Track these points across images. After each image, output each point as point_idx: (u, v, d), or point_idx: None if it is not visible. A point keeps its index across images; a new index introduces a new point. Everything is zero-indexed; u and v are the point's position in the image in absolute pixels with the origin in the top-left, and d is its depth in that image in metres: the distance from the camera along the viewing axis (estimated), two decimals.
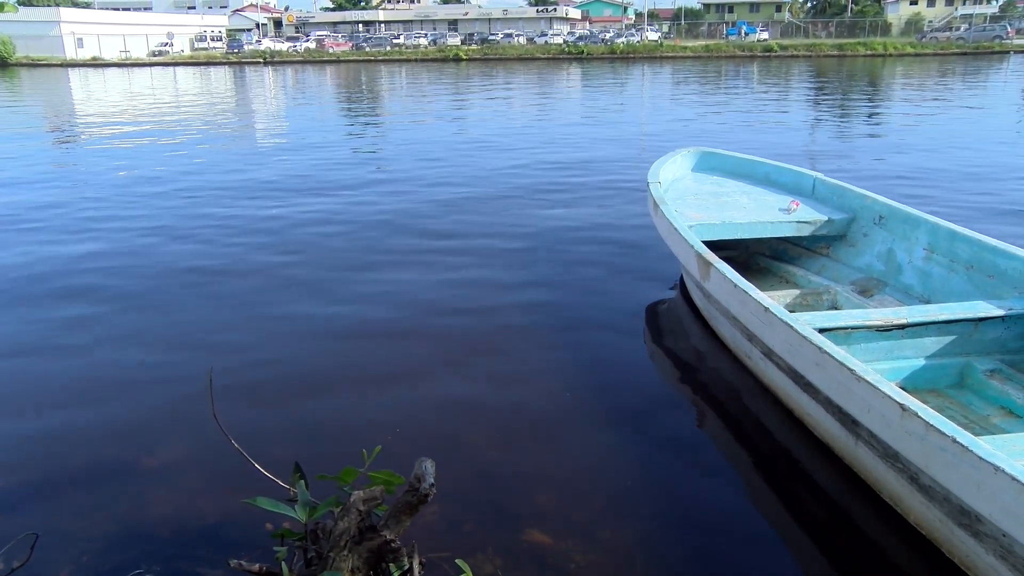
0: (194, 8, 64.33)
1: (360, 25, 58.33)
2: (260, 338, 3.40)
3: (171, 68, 34.54)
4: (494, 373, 3.03)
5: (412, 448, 2.45)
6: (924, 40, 40.37)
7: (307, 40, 48.85)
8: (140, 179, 7.19)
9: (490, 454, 2.46)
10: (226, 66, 31.56)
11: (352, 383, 2.95)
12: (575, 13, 62.79)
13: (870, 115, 11.88)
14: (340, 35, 53.23)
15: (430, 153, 8.52)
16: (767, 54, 37.78)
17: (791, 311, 3.12)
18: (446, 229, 5.22)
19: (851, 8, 52.56)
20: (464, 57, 38.89)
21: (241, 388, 2.90)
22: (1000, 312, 2.61)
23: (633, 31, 47.90)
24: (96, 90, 21.15)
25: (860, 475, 2.25)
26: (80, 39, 43.98)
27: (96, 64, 40.66)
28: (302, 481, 1.79)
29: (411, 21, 57.90)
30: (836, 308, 3.36)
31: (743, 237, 3.65)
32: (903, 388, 2.46)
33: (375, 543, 1.67)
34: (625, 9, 64.84)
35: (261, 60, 40.96)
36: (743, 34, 45.29)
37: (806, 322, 2.51)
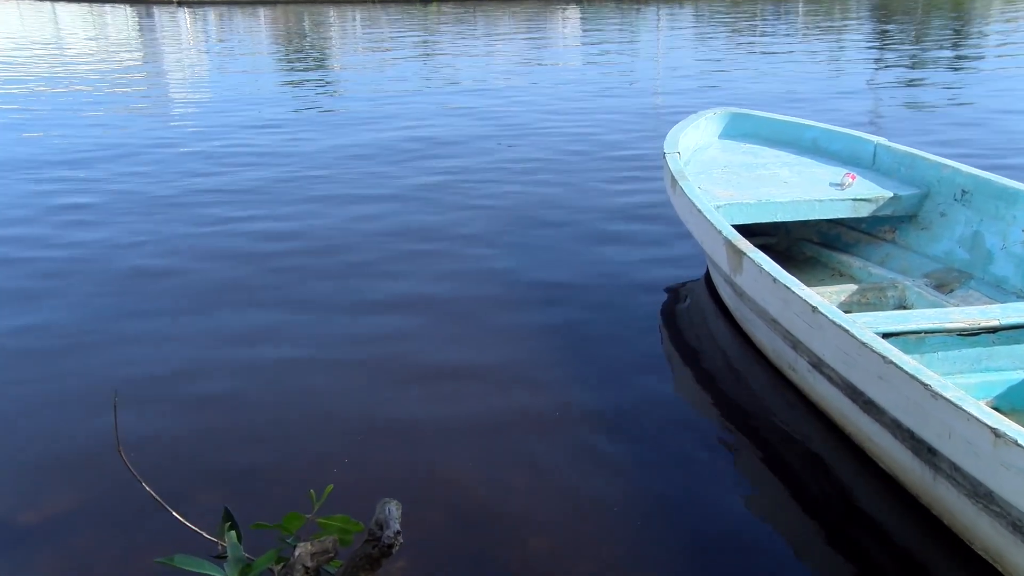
0: None
1: None
2: (179, 352, 3.40)
3: (48, 4, 33.49)
4: (473, 389, 3.05)
5: (372, 486, 2.45)
6: None
7: None
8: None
9: (470, 490, 2.47)
10: (127, 5, 31.00)
11: (296, 406, 2.95)
12: None
13: (954, 64, 11.84)
14: None
15: (395, 124, 8.48)
16: None
17: (847, 311, 3.10)
18: (416, 215, 5.25)
19: None
20: None
21: (155, 415, 2.89)
22: None
23: None
24: None
25: (942, 519, 2.26)
26: None
27: None
28: (233, 531, 1.77)
29: None
30: (905, 307, 3.38)
31: (784, 220, 3.67)
32: (995, 408, 2.45)
33: None
34: None
35: (174, 0, 40.63)
36: None
37: (866, 325, 2.53)
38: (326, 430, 2.81)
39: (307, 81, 12.06)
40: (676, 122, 4.62)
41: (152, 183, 6.11)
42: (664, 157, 3.99)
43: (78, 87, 11.43)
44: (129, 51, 16.45)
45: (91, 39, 18.98)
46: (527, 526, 2.30)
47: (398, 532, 1.60)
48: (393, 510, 1.63)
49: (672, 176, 3.75)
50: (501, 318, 3.70)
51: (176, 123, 8.70)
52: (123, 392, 3.02)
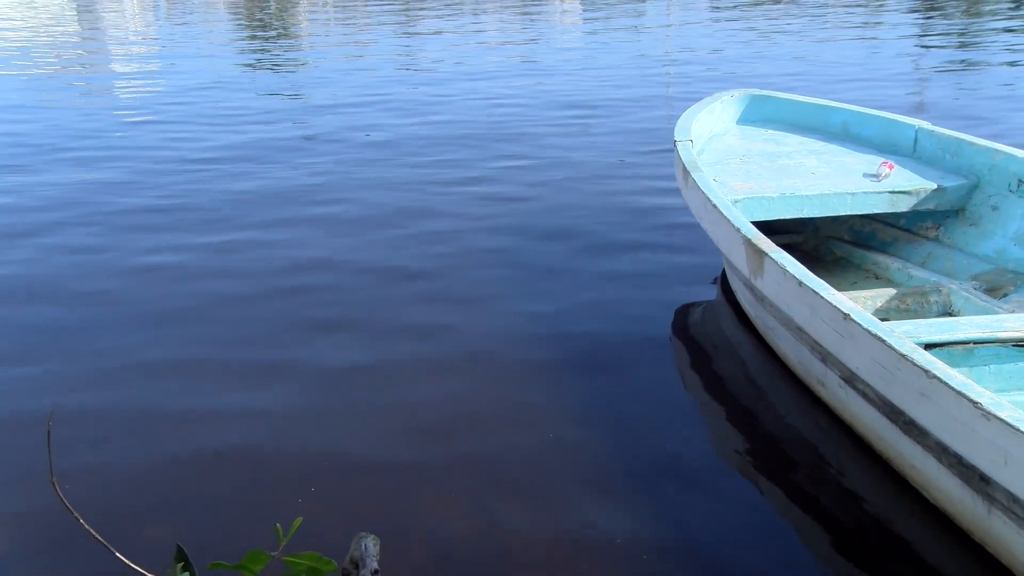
0: None
1: None
2: (124, 366, 3.38)
3: None
4: (458, 413, 3.03)
5: (346, 519, 2.43)
6: None
7: None
8: None
9: (455, 524, 2.45)
10: None
11: (259, 428, 2.93)
12: None
13: (1011, 42, 11.71)
14: None
15: (371, 109, 8.46)
16: None
17: (883, 319, 3.13)
18: (399, 207, 5.26)
19: None
20: None
21: (95, 438, 2.87)
22: None
23: None
24: None
25: (998, 556, 2.23)
26: None
27: None
28: (187, 573, 1.73)
29: None
30: (951, 314, 3.36)
31: (811, 215, 3.66)
32: None
33: None
34: None
35: None
36: None
37: (906, 334, 2.51)
38: (293, 456, 2.79)
39: (269, 63, 12.03)
40: (688, 106, 4.61)
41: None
42: (675, 145, 3.98)
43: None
44: (63, 30, 16.40)
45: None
46: (519, 565, 2.28)
47: (376, 571, 1.58)
48: (370, 546, 1.61)
49: (683, 167, 3.74)
50: (490, 332, 3.67)
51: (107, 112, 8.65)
52: (59, 412, 3.00)
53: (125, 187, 5.85)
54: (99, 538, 1.86)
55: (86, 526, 1.85)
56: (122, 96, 9.62)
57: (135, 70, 11.66)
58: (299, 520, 1.77)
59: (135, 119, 8.14)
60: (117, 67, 12.11)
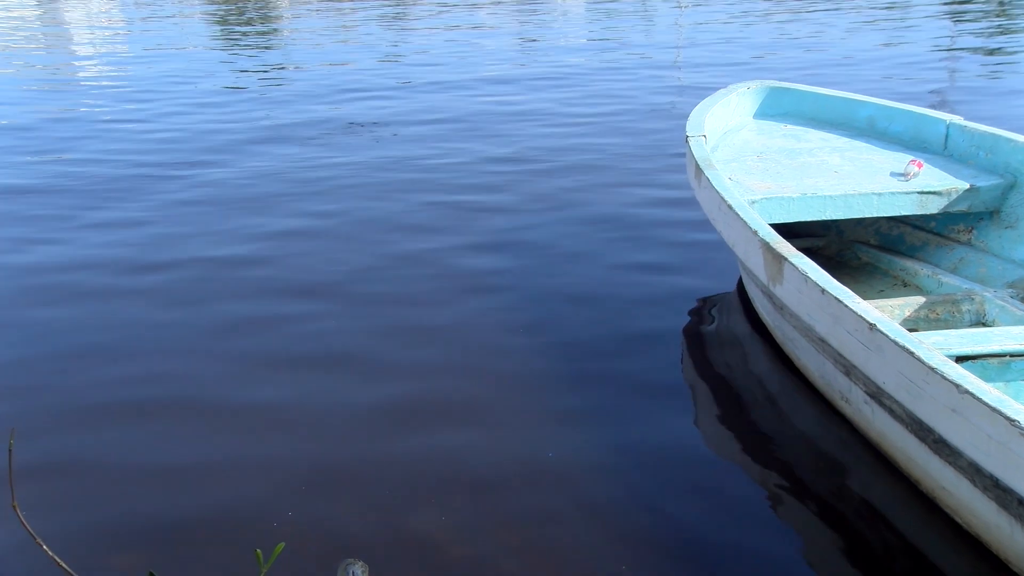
0: None
1: None
2: (93, 379, 3.37)
3: None
4: (450, 425, 3.04)
5: (331, 543, 2.41)
6: None
7: None
8: None
9: (450, 551, 2.43)
10: None
11: (238, 447, 2.93)
12: None
13: None
14: None
15: (359, 106, 8.46)
16: None
17: (912, 329, 3.13)
18: (392, 219, 5.24)
19: None
20: None
21: (61, 459, 2.86)
22: None
23: None
24: None
25: None
26: None
27: None
28: None
29: None
30: (984, 324, 3.35)
31: (835, 217, 3.65)
32: None
33: None
34: None
35: None
36: None
37: (936, 346, 2.51)
38: (274, 476, 2.78)
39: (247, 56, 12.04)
40: (701, 99, 4.60)
41: None
42: (687, 141, 3.97)
43: None
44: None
45: None
46: None
47: None
48: (358, 573, 1.59)
49: (696, 164, 3.73)
50: (485, 341, 3.68)
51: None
52: (22, 431, 3.00)
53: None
54: (64, 566, 1.84)
55: (50, 553, 1.85)
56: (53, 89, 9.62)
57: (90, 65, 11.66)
58: (281, 545, 1.76)
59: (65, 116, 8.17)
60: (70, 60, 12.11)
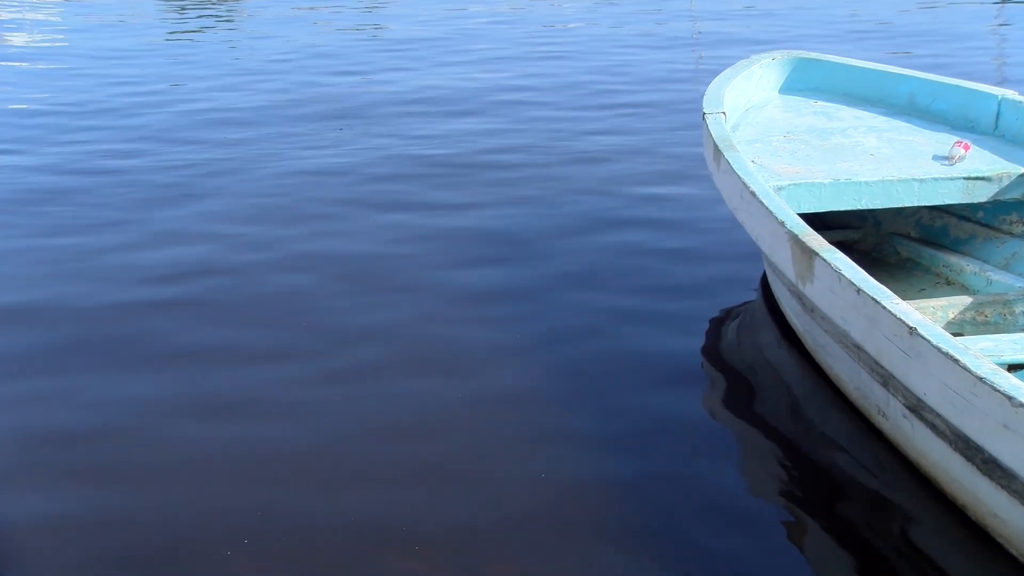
0: None
1: None
2: (64, 409, 3.30)
3: None
4: (446, 435, 3.01)
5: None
6: None
7: None
8: None
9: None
10: None
11: (220, 473, 2.87)
12: None
13: None
14: None
15: (335, 78, 8.40)
16: None
17: (957, 333, 3.02)
18: (385, 218, 5.11)
19: None
20: None
21: (33, 485, 2.83)
22: None
23: None
24: None
25: None
26: None
27: None
28: None
29: None
30: None
31: (871, 207, 3.57)
32: None
33: None
34: None
35: None
36: None
37: (985, 352, 2.43)
38: (250, 498, 2.73)
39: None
40: (720, 71, 4.52)
41: None
42: (704, 119, 3.89)
43: None
44: None
45: None
46: None
47: None
48: None
49: (715, 145, 3.65)
50: (483, 344, 3.62)
51: None
52: None
53: None
54: None
55: None
56: None
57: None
58: None
59: None
60: None
